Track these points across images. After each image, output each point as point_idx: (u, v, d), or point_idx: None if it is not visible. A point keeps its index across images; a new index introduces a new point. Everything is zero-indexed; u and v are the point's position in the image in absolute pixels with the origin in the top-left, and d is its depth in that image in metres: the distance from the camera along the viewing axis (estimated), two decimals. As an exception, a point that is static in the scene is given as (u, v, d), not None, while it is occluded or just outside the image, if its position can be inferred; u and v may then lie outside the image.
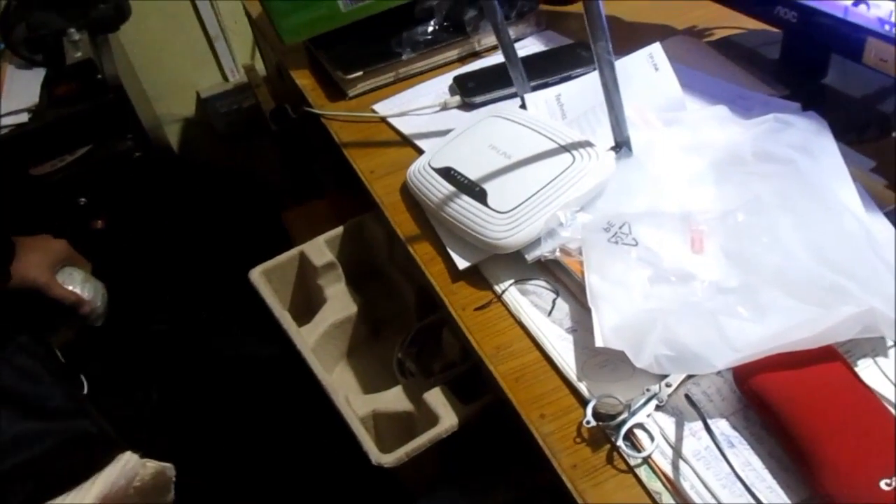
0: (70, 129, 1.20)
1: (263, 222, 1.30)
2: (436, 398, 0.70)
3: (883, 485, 0.46)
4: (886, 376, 0.55)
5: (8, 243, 0.79)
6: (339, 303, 0.86)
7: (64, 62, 1.20)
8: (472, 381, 0.77)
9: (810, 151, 0.66)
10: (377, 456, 0.66)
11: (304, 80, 1.06)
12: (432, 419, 0.69)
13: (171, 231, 1.39)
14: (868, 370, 0.56)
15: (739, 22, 0.95)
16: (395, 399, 0.75)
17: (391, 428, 0.75)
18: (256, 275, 0.87)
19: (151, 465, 0.60)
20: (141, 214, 1.34)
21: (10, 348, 0.67)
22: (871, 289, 0.54)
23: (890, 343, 0.57)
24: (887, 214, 0.66)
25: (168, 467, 0.63)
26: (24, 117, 1.18)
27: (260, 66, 1.75)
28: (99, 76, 1.19)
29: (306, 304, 0.91)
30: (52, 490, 0.53)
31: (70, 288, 0.93)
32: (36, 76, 1.26)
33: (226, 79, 1.82)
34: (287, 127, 1.39)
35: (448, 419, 0.68)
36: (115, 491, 0.55)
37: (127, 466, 0.57)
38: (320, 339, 0.83)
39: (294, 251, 0.88)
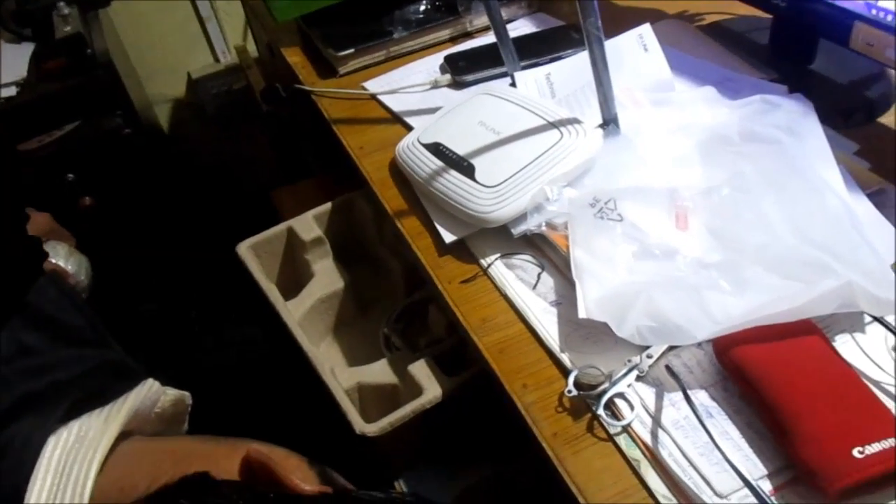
0: (58, 105, 1.20)
1: (253, 202, 1.30)
2: (420, 370, 0.70)
3: (855, 452, 0.47)
4: (863, 350, 0.56)
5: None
6: (326, 278, 0.86)
7: (53, 36, 1.19)
8: (457, 356, 0.77)
9: (796, 132, 0.67)
10: (361, 425, 0.66)
11: (294, 57, 1.06)
12: (416, 391, 0.69)
13: (160, 209, 1.39)
14: (846, 345, 0.57)
15: (730, 7, 0.96)
16: (380, 372, 0.75)
17: (376, 401, 0.75)
18: (244, 249, 0.87)
19: (171, 392, 0.61)
20: (129, 192, 1.33)
21: (41, 281, 0.68)
22: (850, 264, 0.54)
23: (868, 319, 0.58)
24: (869, 196, 0.67)
25: (186, 395, 0.64)
26: (12, 91, 1.18)
27: (252, 48, 1.74)
28: (88, 51, 1.18)
29: (294, 279, 0.91)
30: (86, 406, 0.54)
31: (54, 261, 0.93)
32: (25, 51, 1.25)
33: (217, 60, 1.81)
34: (278, 107, 1.39)
35: (432, 391, 0.68)
36: (141, 412, 0.56)
37: (151, 390, 0.58)
38: (307, 314, 0.83)
39: (282, 226, 0.88)
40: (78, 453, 0.48)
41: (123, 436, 0.52)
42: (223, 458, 0.50)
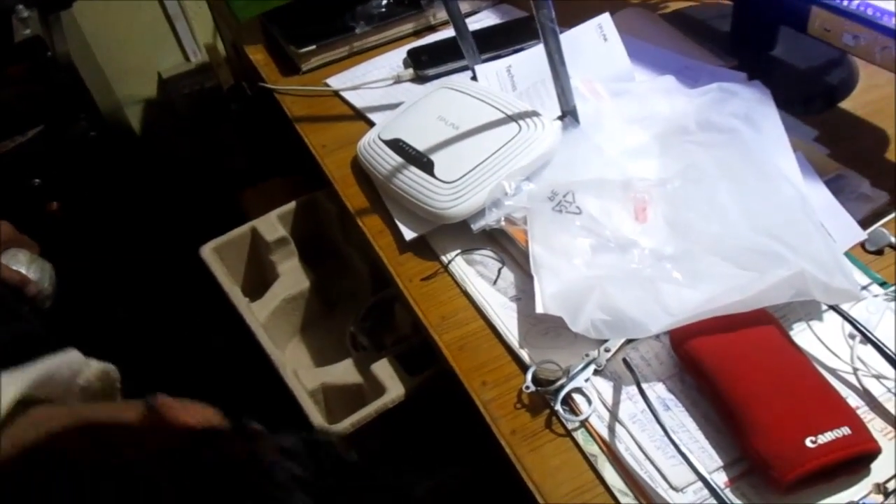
0: (20, 110, 1.18)
1: (222, 203, 1.29)
2: (383, 369, 0.69)
3: (808, 442, 0.47)
4: (819, 338, 0.56)
5: None
6: (291, 278, 0.85)
7: (12, 40, 1.17)
8: (424, 354, 0.76)
9: (752, 120, 0.67)
10: (322, 427, 0.66)
11: (257, 55, 1.04)
12: (380, 390, 0.68)
13: (129, 211, 1.37)
14: (802, 333, 0.57)
15: (693, -5, 0.96)
16: (344, 372, 0.75)
17: (342, 401, 0.75)
18: (208, 251, 0.86)
19: (95, 365, 0.59)
20: (97, 195, 1.32)
21: None
22: (802, 253, 0.54)
23: (824, 307, 0.57)
24: (828, 183, 0.67)
25: (112, 368, 0.61)
26: (-28, 96, 1.15)
27: (222, 47, 1.72)
28: (49, 54, 1.16)
29: (260, 280, 0.90)
30: None
31: (15, 269, 0.91)
32: (-15, 55, 1.23)
33: (188, 59, 1.79)
34: (247, 106, 1.38)
35: (394, 390, 0.68)
36: (59, 380, 0.54)
37: (71, 359, 0.55)
38: (272, 315, 0.82)
39: (246, 227, 0.87)
40: None
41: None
42: (126, 412, 0.48)
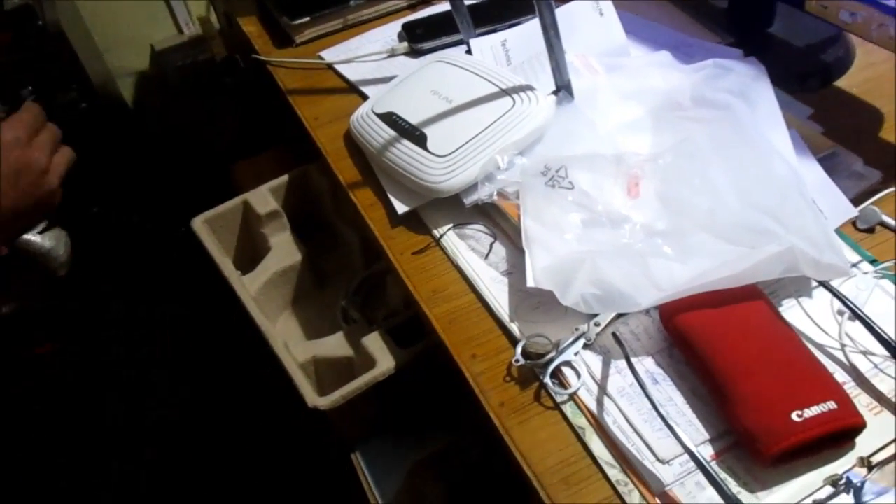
0: (9, 79, 1.16)
1: (215, 176, 1.28)
2: (374, 342, 0.70)
3: (794, 416, 0.47)
4: (808, 314, 0.56)
5: None
6: (283, 251, 0.85)
7: (1, 8, 1.15)
8: (415, 328, 0.77)
9: (747, 97, 0.67)
10: (312, 399, 0.66)
11: (250, 27, 1.03)
12: (370, 363, 0.69)
13: (120, 184, 1.36)
14: (792, 310, 0.57)
15: (691, -29, 0.95)
16: (335, 345, 0.75)
17: (332, 375, 0.75)
18: (199, 224, 0.85)
19: None
20: (88, 167, 1.30)
21: None
22: (793, 229, 0.54)
23: (814, 284, 0.58)
24: (821, 160, 0.67)
25: None
26: (-40, 65, 1.14)
27: (215, 19, 1.70)
28: (39, 23, 1.14)
29: (252, 253, 0.90)
30: None
31: (28, 237, 0.90)
32: (-26, 23, 1.21)
33: (181, 31, 1.77)
34: (240, 78, 1.36)
35: (385, 363, 0.68)
36: None
37: None
38: (263, 288, 0.82)
39: (237, 200, 0.87)
40: None
41: None
42: None
